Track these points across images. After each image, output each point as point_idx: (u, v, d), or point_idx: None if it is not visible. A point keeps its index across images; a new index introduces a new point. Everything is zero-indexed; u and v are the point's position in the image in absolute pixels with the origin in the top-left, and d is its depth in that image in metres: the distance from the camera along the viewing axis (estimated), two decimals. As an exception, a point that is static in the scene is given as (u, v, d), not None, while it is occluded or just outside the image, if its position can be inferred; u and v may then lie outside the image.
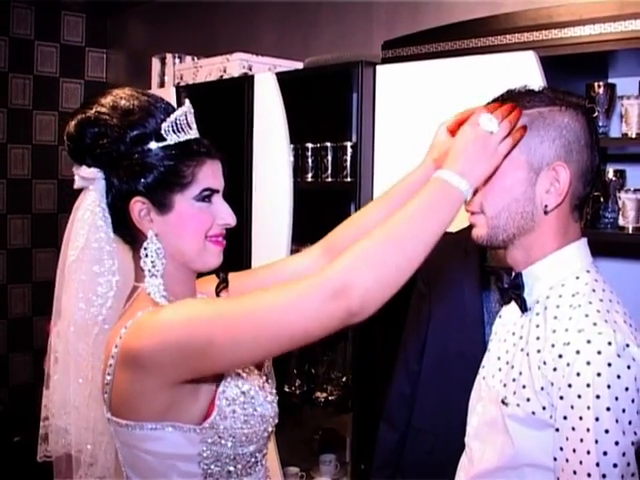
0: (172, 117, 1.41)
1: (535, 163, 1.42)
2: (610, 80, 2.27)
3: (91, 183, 1.41)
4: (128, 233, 1.43)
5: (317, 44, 3.43)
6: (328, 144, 2.74)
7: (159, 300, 1.37)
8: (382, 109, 2.52)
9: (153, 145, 1.39)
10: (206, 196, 1.42)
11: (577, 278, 1.43)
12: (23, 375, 4.95)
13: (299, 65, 3.05)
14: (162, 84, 3.62)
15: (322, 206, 2.82)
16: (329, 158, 2.74)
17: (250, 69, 3.14)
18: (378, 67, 2.53)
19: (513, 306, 1.52)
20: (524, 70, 2.11)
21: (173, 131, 1.41)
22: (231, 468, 1.40)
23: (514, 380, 1.42)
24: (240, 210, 2.89)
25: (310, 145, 2.80)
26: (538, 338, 1.40)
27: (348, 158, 2.67)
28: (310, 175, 2.81)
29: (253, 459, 1.44)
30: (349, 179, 2.66)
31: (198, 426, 1.35)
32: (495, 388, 1.48)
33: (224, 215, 1.45)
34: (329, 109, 2.96)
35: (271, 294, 1.29)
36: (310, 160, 2.81)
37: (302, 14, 3.58)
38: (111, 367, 1.33)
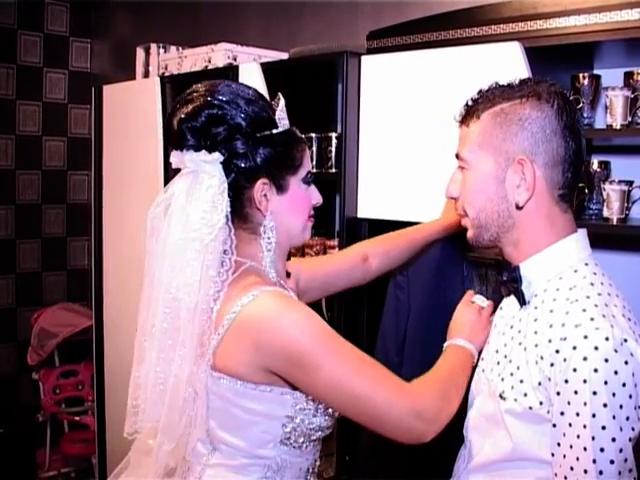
0: (280, 107, 1.57)
1: (501, 161, 1.44)
2: (595, 71, 2.27)
3: (203, 168, 1.48)
4: (240, 213, 1.54)
5: (302, 34, 3.41)
6: (313, 135, 2.73)
7: (273, 277, 1.56)
8: (367, 100, 2.52)
9: (271, 131, 1.54)
10: (310, 179, 1.62)
11: (575, 271, 1.43)
12: (6, 367, 4.93)
13: (284, 55, 3.04)
14: (146, 74, 3.60)
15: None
16: (314, 149, 2.73)
17: (235, 59, 3.12)
18: (363, 57, 2.52)
19: (513, 299, 1.53)
20: (509, 61, 2.10)
21: (282, 120, 1.57)
22: (302, 438, 1.53)
23: (512, 374, 1.43)
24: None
25: (295, 136, 2.78)
26: (536, 332, 1.40)
27: (333, 149, 2.66)
28: (295, 166, 2.80)
29: (321, 433, 1.57)
30: (334, 170, 2.65)
31: (295, 391, 1.48)
32: (493, 382, 1.49)
33: (316, 196, 1.65)
34: (314, 100, 2.94)
35: (382, 379, 1.46)
36: (295, 151, 2.79)
37: (287, 4, 3.56)
38: (223, 328, 1.45)
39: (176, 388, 1.49)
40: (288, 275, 1.72)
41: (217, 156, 1.48)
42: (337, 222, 2.64)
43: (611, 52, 2.18)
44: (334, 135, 2.66)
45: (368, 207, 2.54)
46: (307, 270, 1.89)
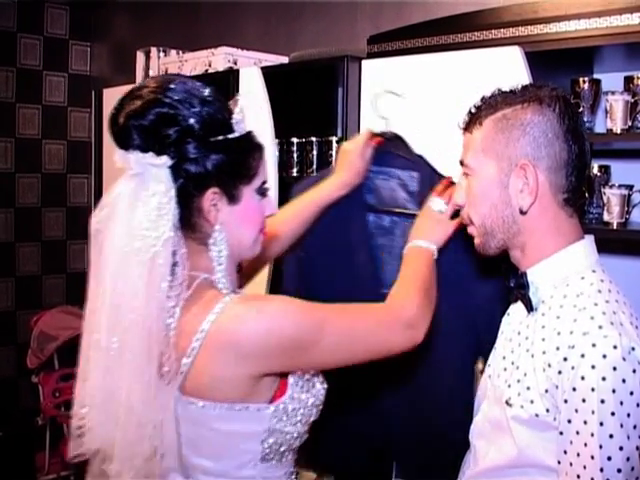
0: (238, 109, 1.45)
1: (504, 166, 1.44)
2: (595, 76, 2.27)
3: (149, 171, 1.37)
4: (188, 222, 1.43)
5: (302, 39, 3.42)
6: (313, 139, 2.73)
7: (225, 288, 1.46)
8: (367, 104, 2.51)
9: (226, 136, 1.41)
10: (265, 189, 1.51)
11: (582, 278, 1.43)
12: (6, 370, 4.92)
13: (284, 59, 3.05)
14: (146, 78, 3.59)
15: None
16: (314, 153, 2.73)
17: (235, 63, 3.13)
18: (364, 62, 2.52)
19: (520, 305, 1.53)
20: (509, 65, 2.11)
21: (240, 124, 1.45)
22: (284, 447, 1.47)
23: (519, 381, 1.43)
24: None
25: (295, 140, 2.79)
26: (543, 339, 1.40)
27: (333, 153, 2.66)
28: (295, 170, 2.80)
29: (299, 441, 1.52)
30: (334, 174, 2.65)
31: (271, 404, 1.42)
32: (500, 388, 1.49)
33: (270, 207, 1.55)
34: (314, 104, 2.94)
35: (366, 314, 1.51)
36: (295, 155, 2.80)
37: (287, 8, 3.56)
38: (194, 350, 1.35)
39: (130, 411, 1.36)
40: (239, 270, 1.64)
41: (165, 160, 1.36)
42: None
43: (611, 56, 2.18)
44: (334, 139, 2.66)
45: (368, 211, 2.53)
46: None
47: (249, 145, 1.47)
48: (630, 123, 2.05)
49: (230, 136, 1.42)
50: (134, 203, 1.36)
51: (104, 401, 1.39)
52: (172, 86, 1.39)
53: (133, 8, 4.67)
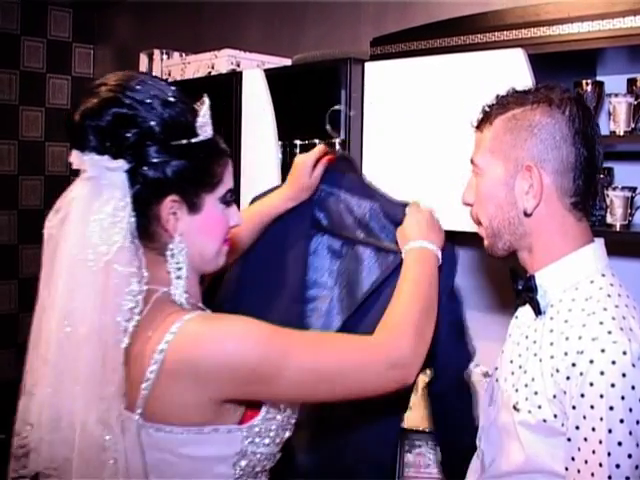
0: (203, 112, 1.36)
1: (511, 167, 1.43)
2: (598, 78, 2.27)
3: (105, 175, 1.27)
4: (146, 231, 1.33)
5: (305, 41, 3.42)
6: (316, 141, 2.72)
7: (184, 304, 1.35)
8: (370, 106, 2.52)
9: (189, 140, 1.33)
10: (229, 198, 1.42)
11: (591, 282, 1.41)
12: (8, 372, 4.92)
13: (287, 62, 3.05)
14: (149, 80, 3.60)
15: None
16: (317, 155, 2.73)
17: (238, 65, 3.13)
18: (367, 64, 2.52)
19: (528, 308, 1.51)
20: (512, 68, 2.11)
21: (205, 127, 1.36)
22: (258, 468, 1.38)
23: (526, 386, 1.41)
24: (228, 207, 2.88)
25: (298, 142, 2.79)
26: (552, 344, 1.38)
27: (336, 155, 2.66)
28: (298, 172, 2.80)
29: (273, 461, 1.43)
30: (337, 176, 2.65)
31: (242, 425, 1.33)
32: (507, 392, 1.47)
33: (236, 217, 1.46)
34: (317, 106, 2.94)
35: (344, 348, 1.36)
36: (298, 157, 2.80)
37: (290, 10, 3.56)
38: (152, 373, 1.25)
39: (85, 432, 1.24)
40: (202, 282, 1.55)
41: (122, 163, 1.26)
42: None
43: (614, 59, 2.18)
44: (337, 141, 2.66)
45: (371, 213, 2.53)
46: None
47: (214, 150, 1.38)
48: (633, 125, 2.05)
49: (193, 140, 1.33)
50: (88, 208, 1.27)
51: (52, 419, 1.28)
52: (133, 85, 1.30)
53: (136, 10, 4.68)
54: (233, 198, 1.44)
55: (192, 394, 1.26)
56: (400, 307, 1.47)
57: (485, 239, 1.53)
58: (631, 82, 2.12)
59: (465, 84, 2.23)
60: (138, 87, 1.30)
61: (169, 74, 3.44)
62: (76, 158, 1.30)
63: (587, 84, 2.14)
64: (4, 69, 4.86)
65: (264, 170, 2.78)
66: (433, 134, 2.33)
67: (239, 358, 1.25)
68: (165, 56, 3.58)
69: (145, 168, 1.29)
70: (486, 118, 1.49)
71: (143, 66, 3.65)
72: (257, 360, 1.25)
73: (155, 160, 1.29)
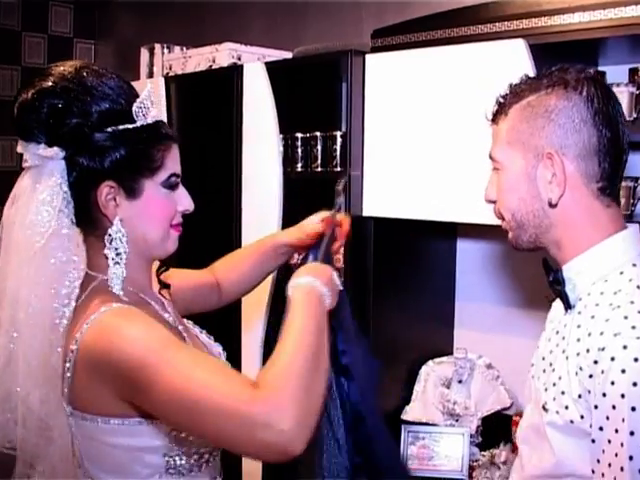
0: (142, 98, 1.36)
1: (531, 157, 1.37)
2: (600, 68, 2.27)
3: (46, 163, 1.31)
4: (87, 218, 1.36)
5: (306, 34, 3.41)
6: (318, 134, 2.72)
7: (117, 291, 1.34)
8: (371, 98, 2.52)
9: (124, 126, 1.33)
10: (173, 182, 1.41)
11: (621, 273, 1.32)
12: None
13: (288, 55, 3.04)
14: (151, 74, 3.59)
15: (312, 196, 2.81)
16: (319, 148, 2.72)
17: (239, 59, 3.12)
18: (367, 56, 2.52)
19: (559, 302, 1.44)
20: (514, 58, 2.10)
21: (142, 113, 1.35)
22: (192, 461, 1.36)
23: (554, 385, 1.34)
24: (230, 200, 2.88)
25: (300, 135, 2.78)
26: (578, 340, 1.30)
27: (338, 148, 2.65)
28: (300, 165, 2.80)
29: (214, 452, 1.43)
30: (339, 169, 2.65)
31: None
32: (539, 391, 1.40)
33: (185, 202, 1.44)
34: (318, 99, 2.94)
35: (215, 381, 1.17)
36: (300, 150, 2.79)
37: (291, 3, 3.56)
38: (70, 362, 1.28)
39: (30, 412, 1.29)
40: (167, 286, 1.56)
41: (56, 151, 1.29)
42: (342, 221, 2.63)
43: (616, 48, 2.18)
44: (339, 134, 2.65)
45: (373, 206, 2.54)
46: (177, 280, 1.68)
47: (152, 136, 1.37)
48: (635, 115, 2.05)
49: (130, 126, 1.33)
50: (30, 196, 1.31)
51: (2, 400, 1.32)
52: (67, 74, 1.32)
53: (137, 5, 4.67)
54: (178, 182, 1.42)
55: (103, 387, 1.25)
56: (284, 359, 1.20)
57: (509, 232, 1.45)
58: (633, 72, 2.11)
59: (466, 75, 2.23)
60: (72, 77, 1.32)
61: (170, 68, 3.44)
62: (22, 148, 1.34)
63: (589, 74, 2.13)
64: (5, 65, 4.85)
65: (265, 163, 2.78)
66: (435, 125, 2.33)
67: (124, 359, 1.20)
68: (166, 50, 3.57)
69: (80, 155, 1.31)
70: (500, 109, 1.42)
71: (144, 60, 3.65)
72: (136, 364, 1.19)
73: (90, 147, 1.30)
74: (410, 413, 2.70)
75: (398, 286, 2.70)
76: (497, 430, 2.59)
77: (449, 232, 2.85)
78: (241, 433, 1.12)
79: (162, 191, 1.39)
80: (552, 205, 1.36)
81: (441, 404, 2.65)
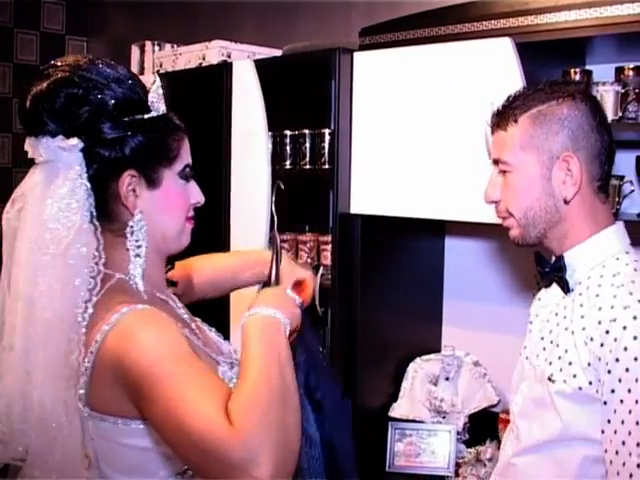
0: (154, 89, 1.36)
1: (545, 160, 1.51)
2: (586, 66, 2.28)
3: (60, 157, 1.27)
4: (106, 211, 1.32)
5: (296, 32, 3.41)
6: (306, 131, 2.73)
7: (140, 287, 1.32)
8: (360, 96, 2.52)
9: (140, 116, 1.32)
10: (188, 173, 1.40)
11: (617, 259, 1.52)
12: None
13: (278, 52, 3.04)
14: (142, 71, 3.59)
15: (300, 193, 2.82)
16: (307, 145, 2.74)
17: (229, 56, 3.13)
18: (356, 54, 2.53)
19: (553, 289, 1.62)
20: (501, 57, 2.11)
21: (156, 104, 1.36)
22: None
23: (560, 358, 1.51)
24: (219, 196, 2.89)
25: (288, 132, 2.80)
26: (582, 316, 1.48)
27: (326, 145, 2.67)
28: (288, 162, 2.81)
29: None
30: (327, 166, 2.66)
31: None
32: (540, 367, 1.57)
33: (197, 194, 1.44)
34: (307, 96, 2.95)
35: (202, 406, 1.12)
36: (288, 147, 2.81)
37: (282, 2, 3.56)
38: (89, 363, 1.23)
39: (43, 412, 1.24)
40: (173, 284, 1.55)
41: (76, 142, 1.26)
42: (330, 218, 2.64)
43: (602, 47, 2.19)
44: (327, 131, 2.67)
45: (361, 203, 2.55)
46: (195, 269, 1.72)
47: (168, 125, 1.37)
48: (621, 114, 2.06)
49: (146, 116, 1.33)
50: (45, 193, 1.26)
51: (24, 409, 1.26)
52: (82, 64, 1.30)
53: (129, 3, 4.66)
54: (192, 174, 1.42)
55: (119, 389, 1.22)
56: (245, 396, 1.15)
57: (516, 229, 1.59)
58: (619, 70, 2.12)
59: (454, 73, 2.23)
60: (88, 66, 1.30)
61: (160, 65, 3.44)
62: (30, 146, 1.30)
63: (575, 73, 2.14)
64: (-3, 62, 4.85)
65: (254, 160, 2.78)
66: (422, 123, 2.34)
67: (133, 365, 1.18)
68: (157, 47, 3.57)
69: (100, 145, 1.28)
70: (508, 117, 1.55)
71: (135, 58, 3.65)
72: (143, 373, 1.17)
73: (110, 137, 1.28)
74: (397, 410, 2.71)
75: (386, 284, 2.70)
76: (484, 427, 2.61)
77: (437, 230, 2.85)
78: (218, 468, 1.08)
79: (179, 182, 1.38)
80: (566, 202, 1.52)
81: (428, 401, 2.66)
